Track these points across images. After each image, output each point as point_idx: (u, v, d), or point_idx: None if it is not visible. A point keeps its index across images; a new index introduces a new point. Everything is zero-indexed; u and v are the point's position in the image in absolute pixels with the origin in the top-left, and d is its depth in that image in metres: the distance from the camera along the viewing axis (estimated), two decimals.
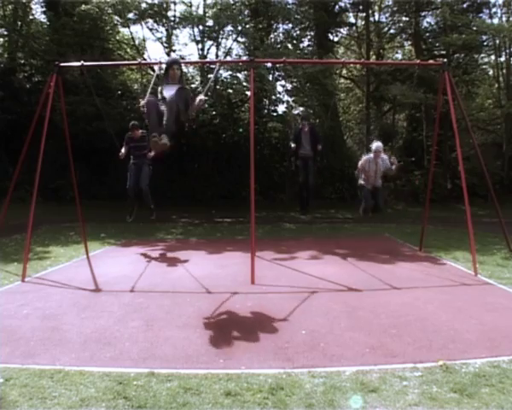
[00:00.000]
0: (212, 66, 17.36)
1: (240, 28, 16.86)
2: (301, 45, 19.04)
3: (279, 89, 17.63)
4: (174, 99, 4.61)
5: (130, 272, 6.29)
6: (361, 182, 7.66)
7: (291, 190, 17.51)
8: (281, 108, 19.72)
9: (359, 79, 21.30)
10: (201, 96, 5.09)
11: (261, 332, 3.88)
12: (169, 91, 4.73)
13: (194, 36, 18.13)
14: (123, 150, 7.75)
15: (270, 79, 16.21)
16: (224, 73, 18.05)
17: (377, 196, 7.67)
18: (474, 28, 17.26)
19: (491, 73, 21.73)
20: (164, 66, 5.32)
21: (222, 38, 18.22)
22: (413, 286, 5.42)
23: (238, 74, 17.52)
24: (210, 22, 17.06)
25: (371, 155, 7.50)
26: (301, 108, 20.07)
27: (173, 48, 18.16)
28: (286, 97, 17.45)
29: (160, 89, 4.99)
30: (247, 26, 16.28)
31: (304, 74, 16.33)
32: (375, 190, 7.59)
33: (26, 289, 5.33)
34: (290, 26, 18.76)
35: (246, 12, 16.69)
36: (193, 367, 3.18)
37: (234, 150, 16.98)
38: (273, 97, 17.91)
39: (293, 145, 8.30)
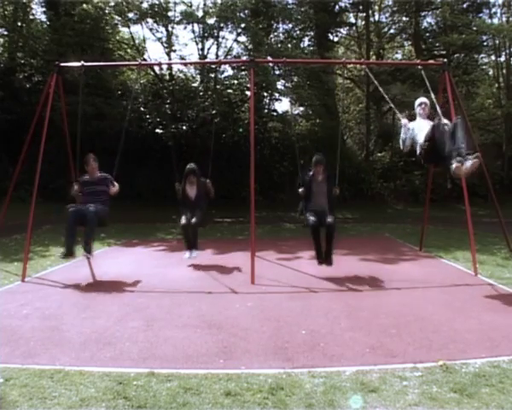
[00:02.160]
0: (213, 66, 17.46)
1: (240, 28, 16.87)
2: (301, 45, 19.06)
3: (280, 87, 17.64)
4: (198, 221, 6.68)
5: (130, 272, 6.29)
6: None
7: (291, 191, 17.51)
8: (281, 108, 19.72)
9: (359, 78, 21.31)
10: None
11: (261, 332, 3.88)
12: (190, 191, 6.98)
13: (195, 35, 18.15)
14: (76, 187, 6.13)
15: (272, 74, 16.21)
16: (225, 73, 18.07)
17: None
18: (474, 28, 17.28)
19: (491, 73, 21.76)
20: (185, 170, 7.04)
21: (223, 39, 18.24)
22: (413, 286, 5.42)
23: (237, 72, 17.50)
24: (210, 20, 17.07)
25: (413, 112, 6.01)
26: (301, 108, 20.07)
27: (173, 48, 18.17)
28: (286, 96, 17.43)
29: (183, 186, 6.99)
30: (247, 25, 16.26)
31: (305, 71, 16.34)
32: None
33: (26, 289, 5.33)
34: (290, 26, 18.79)
35: (246, 12, 16.69)
36: (193, 367, 3.18)
37: (234, 150, 16.99)
38: (275, 95, 17.90)
39: (301, 190, 6.06)
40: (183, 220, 6.69)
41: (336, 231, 5.96)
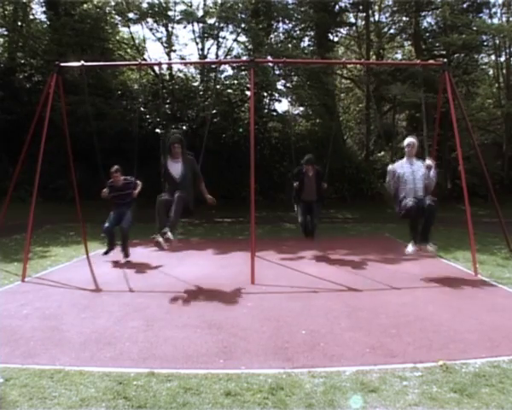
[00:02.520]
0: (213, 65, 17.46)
1: (240, 28, 16.87)
2: (301, 45, 19.06)
3: (280, 87, 17.64)
4: (182, 196, 5.41)
5: (130, 272, 6.30)
6: (404, 202, 5.71)
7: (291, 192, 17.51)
8: (281, 108, 19.73)
9: (359, 78, 21.31)
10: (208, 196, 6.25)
11: (261, 332, 3.88)
12: (174, 169, 5.74)
13: (195, 35, 18.15)
14: (105, 190, 7.04)
15: (271, 74, 16.21)
16: (225, 73, 18.06)
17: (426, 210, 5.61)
18: (474, 28, 17.27)
19: (491, 73, 21.76)
20: (167, 140, 5.82)
21: (223, 39, 18.24)
22: (413, 286, 5.42)
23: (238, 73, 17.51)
24: (211, 20, 17.08)
25: (402, 159, 5.99)
26: (301, 108, 20.06)
27: (173, 48, 18.19)
28: (287, 94, 17.41)
29: (164, 161, 5.91)
30: (248, 25, 16.27)
31: (305, 71, 16.34)
32: (420, 202, 5.62)
33: (26, 289, 5.33)
34: (290, 26, 18.79)
35: (245, 12, 16.71)
36: (193, 367, 3.18)
37: (234, 150, 17.00)
38: (275, 95, 17.90)
39: (295, 184, 7.16)
40: (164, 196, 5.62)
41: (320, 215, 7.66)
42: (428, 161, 5.81)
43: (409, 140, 6.04)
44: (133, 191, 7.05)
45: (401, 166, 5.88)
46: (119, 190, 7.12)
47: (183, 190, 5.52)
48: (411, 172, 5.80)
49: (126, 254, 7.13)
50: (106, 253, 7.21)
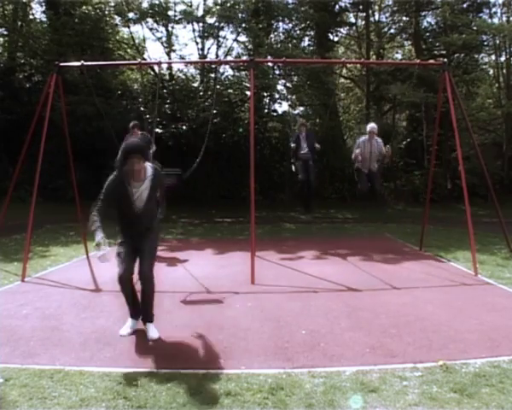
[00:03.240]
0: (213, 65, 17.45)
1: (241, 28, 16.87)
2: (301, 45, 19.05)
3: (280, 87, 17.65)
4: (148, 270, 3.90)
5: None
6: (357, 165, 7.57)
7: (291, 191, 17.50)
8: (281, 108, 19.74)
9: (359, 78, 21.31)
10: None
11: (261, 332, 3.88)
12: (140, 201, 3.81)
13: (195, 35, 18.15)
14: None
15: (271, 76, 16.21)
16: (225, 73, 18.06)
17: (373, 179, 7.59)
18: (475, 28, 17.26)
19: (491, 72, 21.75)
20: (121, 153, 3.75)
21: (223, 39, 18.23)
22: (413, 286, 5.42)
23: (237, 73, 17.51)
24: (211, 20, 17.07)
25: (366, 136, 7.54)
26: (301, 108, 20.06)
27: (173, 48, 18.18)
28: (287, 96, 17.41)
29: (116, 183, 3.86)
30: (248, 25, 16.27)
31: (305, 71, 16.33)
32: (371, 173, 7.54)
33: (26, 289, 5.32)
34: (290, 25, 18.78)
35: (246, 11, 16.71)
36: (193, 367, 3.18)
37: (234, 150, 16.99)
38: (275, 95, 17.90)
39: (293, 145, 8.42)
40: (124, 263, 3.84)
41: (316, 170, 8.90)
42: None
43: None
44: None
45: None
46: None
47: (150, 234, 3.91)
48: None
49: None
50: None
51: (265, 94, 18.27)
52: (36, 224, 6.98)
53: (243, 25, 16.57)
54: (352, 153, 7.67)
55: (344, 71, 22.20)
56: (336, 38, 21.93)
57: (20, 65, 17.96)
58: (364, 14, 20.23)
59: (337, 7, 19.70)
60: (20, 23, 17.76)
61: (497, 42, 19.04)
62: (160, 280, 5.82)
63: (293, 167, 8.57)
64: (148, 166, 3.87)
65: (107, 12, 17.28)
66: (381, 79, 18.38)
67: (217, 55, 18.13)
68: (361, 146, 7.46)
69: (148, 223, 3.93)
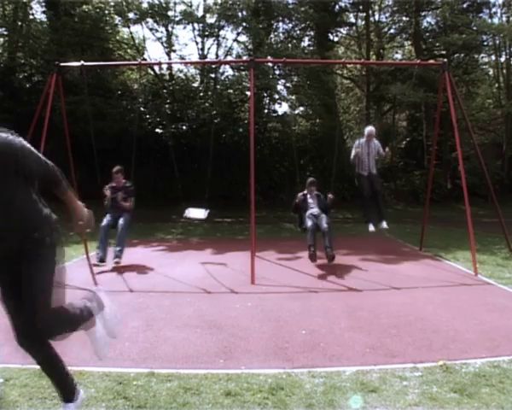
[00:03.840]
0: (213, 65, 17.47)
1: (241, 27, 16.88)
2: (301, 45, 19.06)
3: (280, 87, 17.67)
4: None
5: (130, 272, 6.29)
6: (357, 171, 7.44)
7: (291, 191, 17.47)
8: (281, 109, 19.74)
9: (359, 78, 21.32)
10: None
11: (261, 332, 3.88)
12: None
13: (195, 34, 18.16)
14: (108, 191, 6.85)
15: (271, 77, 16.22)
16: (225, 73, 18.07)
17: (373, 181, 7.42)
18: (474, 28, 17.27)
19: (491, 73, 21.75)
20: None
21: (223, 39, 18.24)
22: (413, 286, 5.42)
23: (237, 73, 17.52)
24: (211, 19, 17.08)
25: (363, 138, 7.37)
26: (301, 108, 20.07)
27: (173, 48, 18.19)
28: (287, 97, 17.42)
29: None
30: (248, 25, 16.28)
31: (305, 71, 16.34)
32: (371, 175, 7.36)
33: None
34: (290, 25, 18.79)
35: (245, 12, 16.72)
36: (193, 367, 3.18)
37: (234, 150, 16.99)
38: (275, 96, 17.91)
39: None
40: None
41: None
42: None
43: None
44: (129, 200, 6.91)
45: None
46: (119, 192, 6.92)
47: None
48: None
49: (118, 256, 6.54)
50: (101, 260, 6.46)
51: (265, 94, 18.29)
52: None
53: (243, 24, 16.57)
54: (351, 154, 7.55)
55: (344, 71, 22.21)
56: (336, 38, 21.96)
57: (20, 65, 17.96)
58: (364, 14, 20.24)
59: (337, 7, 19.72)
60: (20, 23, 17.76)
61: (497, 42, 19.06)
62: (159, 280, 5.86)
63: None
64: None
65: (107, 12, 17.28)
66: (381, 79, 18.40)
67: (217, 55, 18.15)
68: (359, 147, 7.38)
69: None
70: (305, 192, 7.30)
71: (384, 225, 7.14)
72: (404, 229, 10.99)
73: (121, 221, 6.77)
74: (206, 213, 7.45)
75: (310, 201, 7.16)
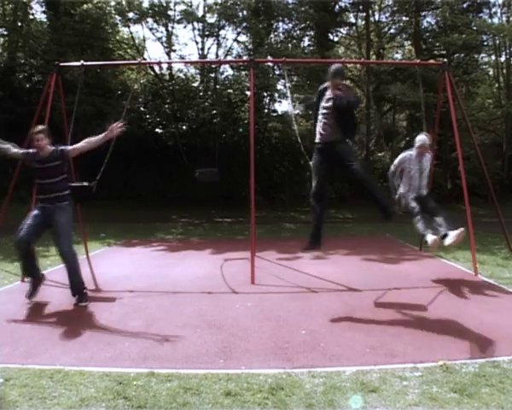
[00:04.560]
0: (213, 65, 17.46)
1: (240, 27, 16.89)
2: (301, 45, 19.08)
3: (280, 87, 17.67)
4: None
5: (130, 272, 6.29)
6: (401, 191, 5.85)
7: (291, 191, 17.49)
8: (281, 108, 19.76)
9: (359, 78, 21.31)
10: None
11: (261, 332, 3.88)
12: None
13: (195, 34, 18.17)
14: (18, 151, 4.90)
15: (271, 76, 16.22)
16: (225, 73, 18.07)
17: (426, 200, 5.75)
18: (474, 28, 17.28)
19: (491, 72, 21.75)
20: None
21: (223, 38, 18.25)
22: (413, 286, 5.42)
23: (237, 73, 17.54)
24: (211, 19, 17.09)
25: (413, 151, 5.76)
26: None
27: (173, 47, 18.20)
28: (287, 99, 17.43)
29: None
30: (248, 25, 16.28)
31: (305, 70, 16.34)
32: (420, 197, 5.81)
33: (26, 289, 5.31)
34: (290, 25, 18.80)
35: (245, 12, 16.73)
36: (193, 367, 3.18)
37: (234, 150, 17.00)
38: (275, 95, 17.92)
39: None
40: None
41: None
42: None
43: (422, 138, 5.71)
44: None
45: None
46: (45, 162, 4.61)
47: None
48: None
49: (77, 293, 4.57)
50: (31, 295, 4.65)
51: (265, 94, 18.29)
52: None
53: (243, 24, 16.58)
54: (391, 170, 6.00)
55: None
56: (336, 38, 21.96)
57: (20, 65, 17.96)
58: (364, 14, 20.25)
59: (337, 7, 19.73)
60: (20, 23, 17.76)
61: (497, 42, 19.06)
62: (160, 280, 5.86)
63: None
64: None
65: (107, 11, 17.28)
66: (381, 79, 18.39)
67: (217, 55, 18.15)
68: (406, 163, 5.75)
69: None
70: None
71: (451, 236, 5.00)
72: (404, 229, 10.98)
73: (61, 238, 4.55)
74: (216, 173, 7.29)
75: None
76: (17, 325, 4.03)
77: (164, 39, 18.03)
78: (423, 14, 19.38)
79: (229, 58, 17.73)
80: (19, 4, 17.07)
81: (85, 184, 5.64)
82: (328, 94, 4.87)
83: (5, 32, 17.82)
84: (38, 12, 18.68)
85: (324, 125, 4.77)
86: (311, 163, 4.88)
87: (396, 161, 5.92)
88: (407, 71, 16.88)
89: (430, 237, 5.14)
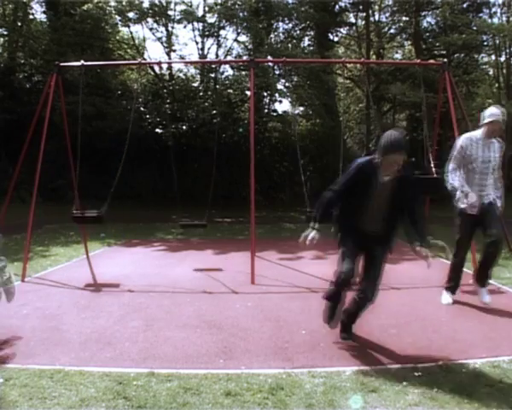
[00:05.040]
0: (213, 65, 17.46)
1: (241, 27, 16.90)
2: (301, 45, 19.09)
3: (280, 87, 17.69)
4: None
5: (130, 272, 6.29)
6: (461, 206, 4.19)
7: (291, 191, 17.47)
8: (281, 108, 19.79)
9: (359, 78, 21.32)
10: None
11: (261, 332, 3.88)
12: None
13: (195, 34, 18.18)
14: None
15: (271, 76, 16.24)
16: (225, 73, 18.08)
17: (487, 219, 4.12)
18: (474, 28, 17.27)
19: (491, 73, 21.74)
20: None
21: (223, 38, 18.26)
22: (413, 286, 5.42)
23: (237, 73, 17.55)
24: (211, 19, 17.11)
25: (478, 132, 4.18)
26: (301, 108, 20.06)
27: (173, 47, 18.21)
28: (287, 93, 17.42)
29: None
30: (248, 25, 16.29)
31: (305, 70, 16.36)
32: (483, 209, 4.17)
33: (26, 289, 5.32)
34: (290, 25, 18.81)
35: (245, 12, 16.74)
36: (193, 367, 3.18)
37: (234, 150, 17.00)
38: (275, 95, 17.93)
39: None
40: None
41: None
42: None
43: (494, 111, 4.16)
44: None
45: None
46: None
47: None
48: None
49: None
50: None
51: (265, 94, 18.29)
52: (36, 224, 6.98)
53: (244, 24, 16.59)
54: (448, 165, 4.38)
55: (344, 71, 22.21)
56: (336, 38, 21.97)
57: (20, 65, 17.97)
58: (364, 14, 20.24)
59: (337, 7, 19.74)
60: (20, 23, 17.78)
61: (497, 42, 19.04)
62: (160, 280, 5.85)
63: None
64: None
65: (107, 11, 17.30)
66: (381, 79, 18.38)
67: (217, 55, 18.16)
68: (468, 149, 4.14)
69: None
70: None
71: (487, 297, 4.30)
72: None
73: None
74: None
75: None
76: (17, 325, 4.03)
77: (164, 39, 18.05)
78: (423, 14, 19.38)
79: (229, 58, 17.73)
80: (19, 4, 17.08)
81: (94, 214, 6.14)
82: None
83: (5, 32, 17.82)
84: (38, 12, 18.74)
85: None
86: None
87: (455, 152, 4.24)
88: (407, 71, 16.86)
89: (447, 299, 4.56)
